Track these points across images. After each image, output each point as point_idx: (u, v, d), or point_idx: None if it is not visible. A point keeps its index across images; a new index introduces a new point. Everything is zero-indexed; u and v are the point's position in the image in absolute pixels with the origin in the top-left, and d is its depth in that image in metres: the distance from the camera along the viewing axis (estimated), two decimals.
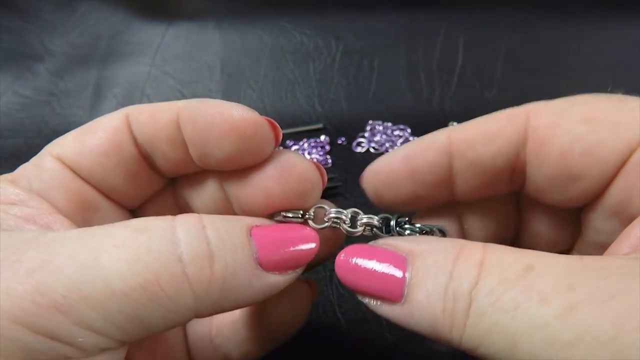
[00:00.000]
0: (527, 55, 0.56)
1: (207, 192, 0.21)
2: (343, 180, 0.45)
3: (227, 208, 0.21)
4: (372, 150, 0.50)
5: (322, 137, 0.52)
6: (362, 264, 0.18)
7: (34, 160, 0.20)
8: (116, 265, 0.15)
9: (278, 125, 0.19)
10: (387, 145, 0.50)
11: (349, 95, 0.56)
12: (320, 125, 0.54)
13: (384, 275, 0.17)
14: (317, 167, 0.20)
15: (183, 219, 0.16)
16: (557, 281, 0.14)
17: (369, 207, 0.44)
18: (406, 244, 0.18)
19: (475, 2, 0.58)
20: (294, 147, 0.50)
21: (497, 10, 0.58)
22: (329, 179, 0.45)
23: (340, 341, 0.31)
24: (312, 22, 0.59)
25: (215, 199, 0.21)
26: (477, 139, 0.19)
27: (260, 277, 0.17)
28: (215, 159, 0.19)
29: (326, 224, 0.20)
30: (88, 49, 0.59)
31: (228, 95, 0.57)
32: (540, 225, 0.22)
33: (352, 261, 0.18)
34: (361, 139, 0.51)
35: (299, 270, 0.19)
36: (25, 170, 0.20)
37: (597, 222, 0.19)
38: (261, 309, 0.22)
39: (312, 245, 0.19)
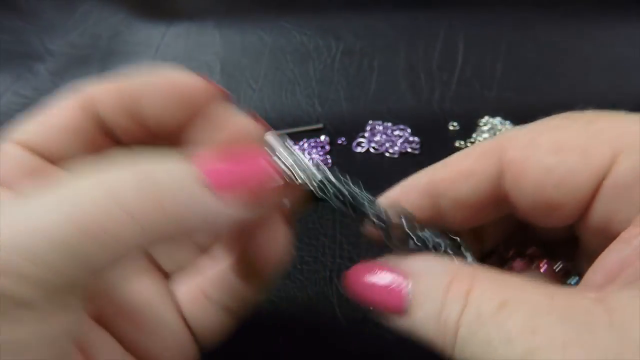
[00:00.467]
0: (527, 55, 0.57)
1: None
2: None
3: None
4: (372, 150, 0.50)
5: (322, 137, 0.52)
6: (368, 281, 0.19)
7: None
8: (53, 215, 0.14)
9: (222, 88, 0.21)
10: (387, 145, 0.50)
11: (349, 95, 0.56)
12: (320, 125, 0.54)
13: (388, 292, 0.19)
14: (256, 118, 0.21)
15: (118, 165, 0.16)
16: (524, 322, 0.15)
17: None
18: (406, 265, 0.19)
19: (476, 2, 0.58)
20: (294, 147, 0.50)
21: (497, 11, 0.58)
22: None
23: (340, 341, 0.31)
24: (312, 22, 0.59)
25: None
26: (455, 178, 0.21)
27: (217, 208, 0.17)
28: (169, 126, 0.20)
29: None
30: (88, 49, 0.59)
31: None
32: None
33: (359, 279, 0.20)
34: (361, 139, 0.51)
35: (268, 203, 0.19)
36: None
37: (587, 236, 0.20)
38: (244, 249, 0.22)
39: (267, 169, 0.19)
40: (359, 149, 0.51)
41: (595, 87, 0.54)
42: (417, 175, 0.22)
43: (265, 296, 0.24)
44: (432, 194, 0.21)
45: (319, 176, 0.21)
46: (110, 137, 0.21)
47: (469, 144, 0.51)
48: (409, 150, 0.50)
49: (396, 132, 0.52)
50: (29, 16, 0.59)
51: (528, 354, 0.15)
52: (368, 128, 0.53)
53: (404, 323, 0.18)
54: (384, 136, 0.51)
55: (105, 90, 0.20)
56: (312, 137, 0.52)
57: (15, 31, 0.59)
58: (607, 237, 0.18)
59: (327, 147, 0.51)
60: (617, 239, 0.18)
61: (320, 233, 0.39)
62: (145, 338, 0.21)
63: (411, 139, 0.51)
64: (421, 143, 0.51)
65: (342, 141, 0.52)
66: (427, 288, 0.18)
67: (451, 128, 0.52)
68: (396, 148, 0.50)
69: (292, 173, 0.20)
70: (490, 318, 0.16)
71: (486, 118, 0.52)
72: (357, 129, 0.53)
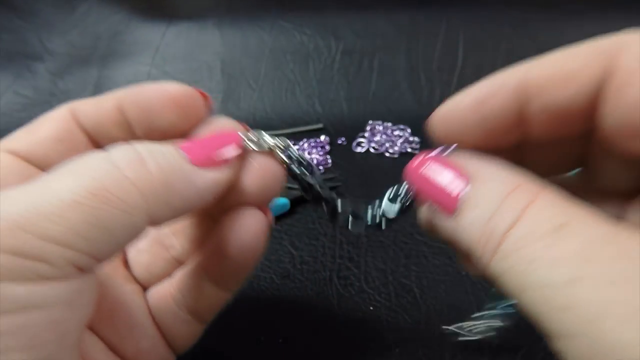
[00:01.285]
0: (527, 55, 0.56)
1: None
2: (343, 180, 0.45)
3: None
4: (372, 150, 0.50)
5: (322, 137, 0.52)
6: (431, 171, 0.19)
7: None
8: (64, 184, 0.16)
9: (207, 95, 0.23)
10: (387, 145, 0.50)
11: (349, 95, 0.56)
12: (320, 125, 0.54)
13: (446, 187, 0.18)
14: (241, 124, 0.23)
15: (114, 146, 0.19)
16: (579, 249, 0.14)
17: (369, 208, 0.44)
18: (474, 164, 0.18)
19: (475, 1, 0.58)
20: (294, 147, 0.50)
21: (498, 10, 0.58)
22: (329, 179, 0.45)
23: (340, 341, 0.31)
24: (312, 22, 0.59)
25: None
26: (555, 80, 0.18)
27: (197, 172, 0.19)
28: (159, 131, 0.22)
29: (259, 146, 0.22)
30: (88, 48, 0.59)
31: (228, 95, 0.57)
32: (607, 164, 0.21)
33: (423, 166, 0.19)
34: (361, 139, 0.51)
35: (234, 165, 0.21)
36: None
37: None
38: (214, 246, 0.23)
39: (236, 137, 0.21)
40: (359, 149, 0.51)
41: None
42: (507, 73, 0.19)
43: (230, 298, 0.24)
44: (521, 97, 0.19)
45: (281, 145, 0.23)
46: (97, 147, 0.22)
47: None
48: (409, 150, 0.50)
49: (396, 132, 0.52)
50: (28, 15, 0.59)
51: (572, 282, 0.14)
52: (368, 128, 0.53)
53: (449, 224, 0.18)
54: (384, 136, 0.51)
55: (94, 104, 0.22)
56: (312, 137, 0.51)
57: (14, 30, 0.59)
58: None
59: (327, 147, 0.51)
60: None
61: (320, 233, 0.39)
62: (122, 341, 0.23)
63: (411, 139, 0.51)
64: (421, 143, 0.51)
65: (342, 141, 0.52)
66: (483, 192, 0.17)
67: None
68: (396, 148, 0.50)
69: (254, 142, 0.22)
70: (543, 237, 0.15)
71: None
72: (357, 129, 0.53)
